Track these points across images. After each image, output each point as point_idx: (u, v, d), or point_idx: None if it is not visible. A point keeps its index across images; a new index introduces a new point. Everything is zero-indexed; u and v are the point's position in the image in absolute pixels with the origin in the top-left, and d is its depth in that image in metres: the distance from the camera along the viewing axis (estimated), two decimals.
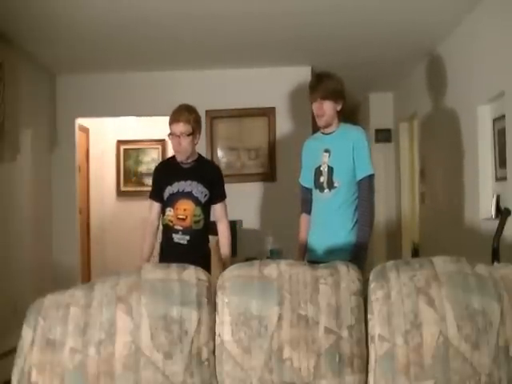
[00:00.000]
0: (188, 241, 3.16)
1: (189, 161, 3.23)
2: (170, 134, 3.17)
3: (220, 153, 5.61)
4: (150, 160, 6.88)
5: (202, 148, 5.36)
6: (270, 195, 5.48)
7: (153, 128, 6.58)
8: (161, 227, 3.34)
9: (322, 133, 3.08)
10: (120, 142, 6.95)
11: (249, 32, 4.48)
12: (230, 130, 5.60)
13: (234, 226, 5.25)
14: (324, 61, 5.31)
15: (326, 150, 2.99)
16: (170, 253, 3.20)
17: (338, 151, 2.97)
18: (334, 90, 3.02)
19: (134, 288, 1.83)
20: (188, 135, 3.13)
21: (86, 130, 6.61)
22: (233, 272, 1.91)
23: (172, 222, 3.19)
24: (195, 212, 3.17)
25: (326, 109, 2.98)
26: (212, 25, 4.28)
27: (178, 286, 1.83)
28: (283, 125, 5.47)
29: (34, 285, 4.74)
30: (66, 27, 4.21)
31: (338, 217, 2.96)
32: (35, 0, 3.68)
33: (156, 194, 3.28)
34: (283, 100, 5.48)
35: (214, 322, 1.82)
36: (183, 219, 3.16)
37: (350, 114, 7.64)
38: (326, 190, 2.98)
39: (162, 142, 6.77)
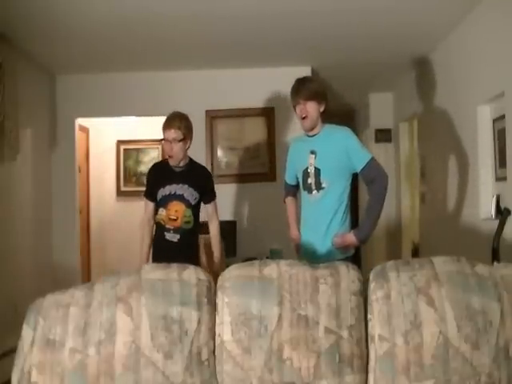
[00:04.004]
0: (178, 239, 3.38)
1: (181, 165, 3.41)
2: (163, 140, 3.40)
3: (220, 153, 5.61)
4: (150, 160, 6.85)
5: (201, 148, 5.38)
6: (270, 195, 5.47)
7: (153, 128, 6.53)
8: None
9: (307, 135, 3.09)
10: (120, 142, 6.95)
11: (249, 32, 4.48)
12: (229, 130, 5.60)
13: (233, 226, 5.27)
14: (324, 61, 5.33)
15: (312, 152, 3.00)
16: (161, 248, 3.43)
17: (323, 152, 2.97)
18: (317, 92, 3.02)
19: (134, 288, 1.83)
20: (179, 141, 3.33)
21: (85, 130, 6.61)
22: (233, 272, 1.91)
23: (164, 221, 3.40)
24: (186, 213, 3.38)
25: (310, 110, 2.98)
26: (212, 25, 4.28)
27: (178, 286, 1.83)
28: (283, 125, 5.47)
29: (33, 285, 4.74)
30: (66, 27, 4.21)
31: (327, 217, 2.97)
32: (35, 0, 3.68)
33: (150, 194, 3.49)
34: (283, 100, 5.47)
35: (214, 322, 1.83)
36: (174, 220, 3.38)
37: (350, 114, 7.65)
38: (315, 191, 2.99)
39: (161, 141, 6.76)
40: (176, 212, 3.37)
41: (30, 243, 4.91)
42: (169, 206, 3.37)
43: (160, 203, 3.41)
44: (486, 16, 3.84)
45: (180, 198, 3.37)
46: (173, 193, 3.38)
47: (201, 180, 3.47)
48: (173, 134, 3.34)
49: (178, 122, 3.37)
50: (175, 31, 4.40)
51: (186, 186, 3.39)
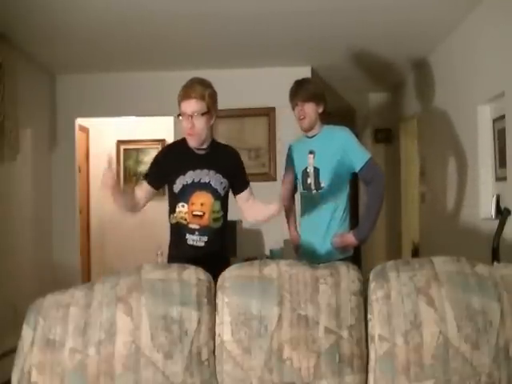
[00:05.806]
0: (206, 242, 2.62)
1: (203, 146, 2.68)
2: (180, 115, 2.59)
3: None
4: (150, 160, 6.88)
5: None
6: (270, 195, 5.45)
7: (153, 128, 6.58)
8: (167, 226, 2.77)
9: (306, 136, 3.10)
10: (120, 142, 6.95)
11: (249, 32, 4.48)
12: (230, 130, 5.59)
13: (234, 225, 5.26)
14: (324, 61, 5.32)
15: (311, 152, 3.01)
16: (183, 256, 2.48)
17: (322, 152, 2.98)
18: (315, 93, 3.05)
19: (134, 288, 1.83)
20: (202, 114, 2.56)
21: (86, 130, 6.61)
22: (233, 272, 1.91)
23: (186, 220, 2.62)
24: (214, 207, 2.63)
25: (308, 111, 3.01)
26: (212, 25, 4.28)
27: (178, 286, 1.83)
28: (283, 125, 5.47)
29: (34, 285, 4.74)
30: (66, 27, 4.21)
31: (326, 217, 2.98)
32: (35, 0, 3.68)
33: (154, 179, 2.72)
34: (283, 100, 5.43)
35: (214, 322, 1.82)
36: (200, 216, 2.60)
37: (350, 114, 7.65)
38: (314, 191, 3.00)
39: (162, 141, 6.77)
40: (202, 206, 2.60)
41: (30, 243, 4.91)
42: (192, 198, 2.60)
43: (180, 196, 2.62)
44: (486, 16, 3.84)
45: (206, 186, 2.61)
46: (197, 180, 2.61)
47: (228, 162, 2.72)
48: (194, 105, 2.53)
49: (200, 89, 2.57)
50: (175, 31, 4.40)
51: (213, 171, 2.64)
